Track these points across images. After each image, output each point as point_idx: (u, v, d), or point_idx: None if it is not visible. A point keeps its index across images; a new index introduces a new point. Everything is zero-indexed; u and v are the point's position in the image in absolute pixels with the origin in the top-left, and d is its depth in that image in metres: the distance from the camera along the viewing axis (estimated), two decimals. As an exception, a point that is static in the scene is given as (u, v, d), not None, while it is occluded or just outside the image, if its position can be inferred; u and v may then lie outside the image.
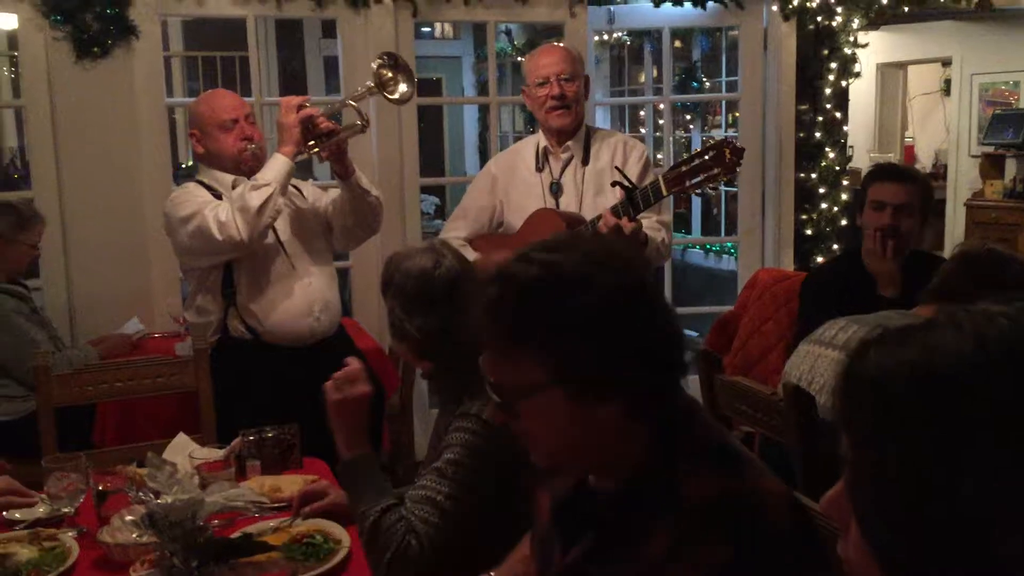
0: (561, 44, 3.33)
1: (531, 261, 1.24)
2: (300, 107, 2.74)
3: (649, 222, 2.76)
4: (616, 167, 2.69)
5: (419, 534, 1.72)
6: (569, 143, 2.97)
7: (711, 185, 2.45)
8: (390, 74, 2.72)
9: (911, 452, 0.73)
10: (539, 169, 3.00)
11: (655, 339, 1.22)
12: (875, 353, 0.78)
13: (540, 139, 3.03)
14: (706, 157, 2.40)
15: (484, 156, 11.24)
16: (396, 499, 1.79)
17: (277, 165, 2.72)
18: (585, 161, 2.96)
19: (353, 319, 4.25)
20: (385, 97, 2.72)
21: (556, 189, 2.97)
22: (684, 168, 2.45)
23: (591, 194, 2.92)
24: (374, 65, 2.71)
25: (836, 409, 0.80)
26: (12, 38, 8.47)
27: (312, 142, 2.78)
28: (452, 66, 11.18)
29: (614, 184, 2.58)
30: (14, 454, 3.40)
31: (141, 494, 1.42)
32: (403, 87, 2.73)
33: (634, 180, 2.67)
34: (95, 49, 3.93)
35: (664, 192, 2.50)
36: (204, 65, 10.39)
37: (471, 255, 2.93)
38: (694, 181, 2.43)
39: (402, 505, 1.76)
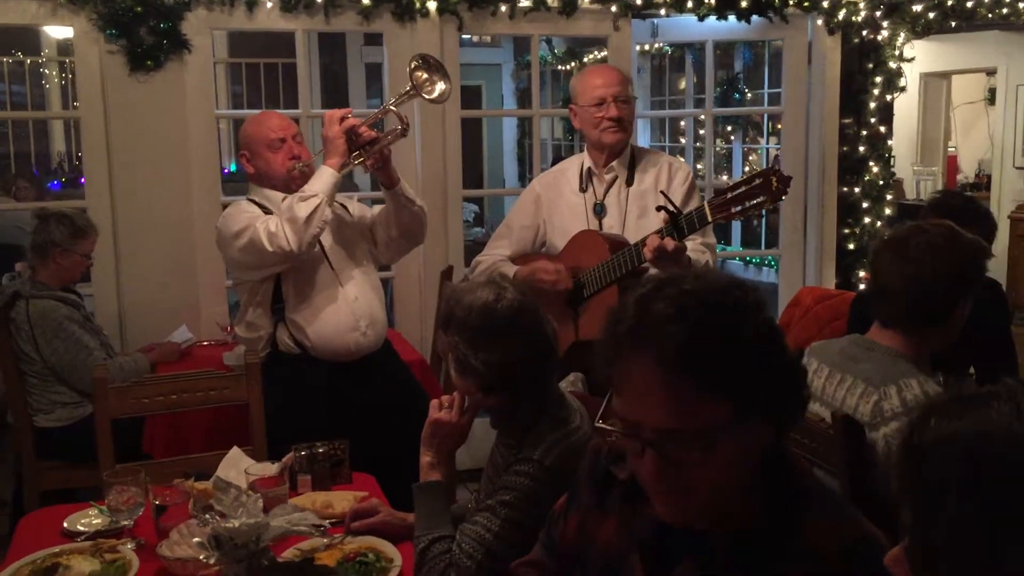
0: (608, 64, 3.34)
1: (691, 294, 1.19)
2: (343, 119, 2.79)
3: (693, 244, 2.75)
4: (662, 192, 2.69)
5: (460, 568, 1.78)
6: (613, 164, 2.97)
7: (756, 212, 2.45)
8: (425, 75, 2.76)
9: (960, 522, 0.76)
10: (583, 190, 3.01)
11: (789, 352, 1.25)
12: (935, 424, 0.81)
13: (585, 159, 3.04)
14: (753, 184, 2.40)
15: (523, 163, 11.27)
16: (450, 531, 1.84)
17: (324, 177, 2.78)
18: (629, 182, 2.96)
19: (396, 330, 4.30)
20: (423, 98, 2.76)
21: (600, 210, 2.97)
22: (730, 195, 2.44)
23: (635, 216, 2.93)
24: (409, 68, 2.75)
25: (896, 475, 0.83)
26: (63, 46, 8.67)
27: (356, 152, 2.83)
28: (492, 73, 11.20)
29: (659, 209, 2.58)
30: (68, 458, 3.51)
31: (207, 516, 1.46)
32: (440, 85, 2.77)
33: (678, 202, 2.67)
34: (148, 62, 4.02)
35: (709, 219, 2.49)
36: (248, 71, 10.51)
37: (511, 270, 2.95)
38: (739, 208, 2.43)
39: (452, 537, 1.81)
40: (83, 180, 4.50)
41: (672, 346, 1.14)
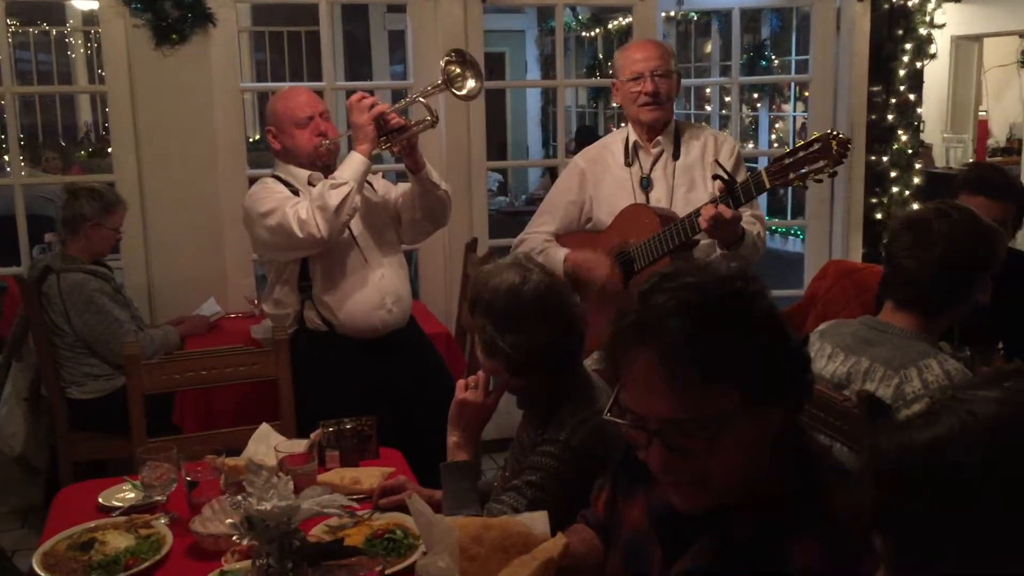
0: (649, 38, 3.30)
1: (694, 287, 1.22)
2: (372, 106, 2.78)
3: (744, 216, 2.70)
4: (715, 160, 2.67)
5: None
6: (660, 138, 2.95)
7: (816, 178, 2.39)
8: (458, 70, 2.74)
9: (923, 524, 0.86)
10: (628, 164, 2.98)
11: (794, 337, 1.27)
12: (889, 438, 0.89)
13: (630, 133, 3.01)
14: (811, 149, 2.36)
15: (546, 130, 11.22)
16: (477, 510, 1.87)
17: (354, 164, 2.78)
18: (676, 155, 2.94)
19: (420, 302, 4.32)
20: (453, 93, 2.75)
21: (647, 184, 2.95)
22: (788, 160, 2.40)
23: (683, 189, 2.90)
24: (442, 62, 2.73)
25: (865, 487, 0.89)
26: (88, 16, 8.69)
27: (384, 137, 2.82)
28: (516, 39, 11.12)
29: (715, 177, 2.55)
30: (100, 429, 3.58)
31: (240, 498, 1.49)
32: (471, 83, 2.75)
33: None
34: (173, 36, 4.03)
35: (767, 185, 2.46)
36: (271, 39, 10.51)
37: (560, 253, 2.95)
38: (799, 173, 2.39)
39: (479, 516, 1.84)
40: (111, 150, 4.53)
41: (674, 339, 1.17)
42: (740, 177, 2.67)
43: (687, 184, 2.92)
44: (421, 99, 2.83)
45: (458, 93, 2.75)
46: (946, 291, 2.04)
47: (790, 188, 7.91)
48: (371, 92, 2.95)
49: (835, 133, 2.35)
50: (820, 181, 2.42)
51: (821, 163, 2.34)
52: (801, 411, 1.30)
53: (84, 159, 8.36)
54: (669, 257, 2.69)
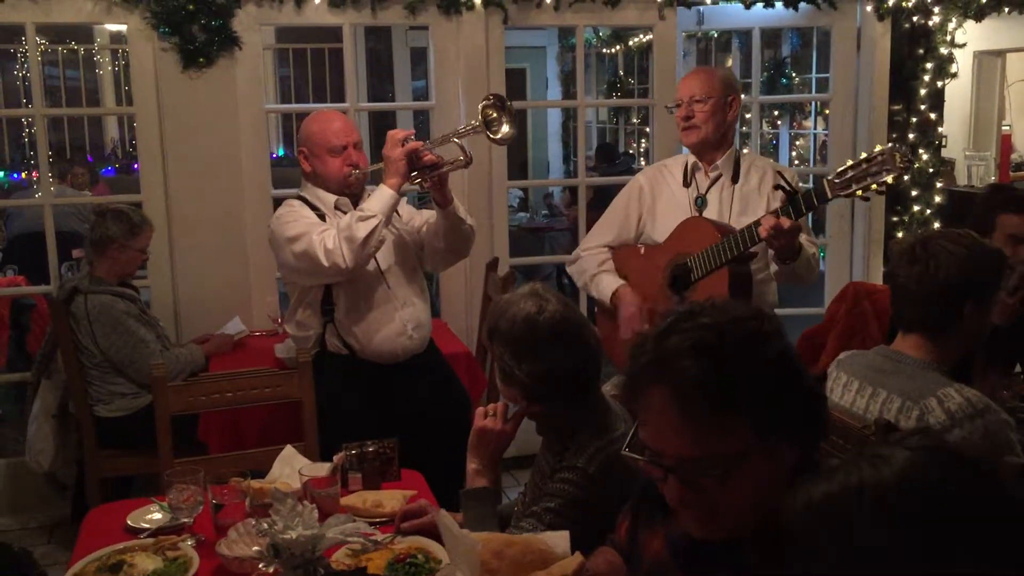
0: (700, 66, 3.37)
1: (708, 328, 1.25)
2: (405, 140, 2.80)
3: (803, 237, 2.74)
4: (778, 171, 2.70)
5: None
6: (718, 162, 3.01)
7: (878, 188, 2.39)
8: (495, 114, 2.74)
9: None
10: (686, 184, 3.06)
11: (805, 376, 1.29)
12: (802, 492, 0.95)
13: (689, 156, 3.10)
14: (874, 160, 2.36)
15: (566, 147, 11.25)
16: None
17: (384, 197, 2.81)
18: (735, 180, 3.00)
19: (442, 320, 4.36)
20: (488, 136, 2.75)
21: (701, 203, 3.01)
22: (851, 172, 2.42)
23: (737, 212, 2.95)
24: (481, 105, 2.75)
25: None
26: (115, 36, 8.82)
27: (415, 172, 2.85)
28: (537, 56, 11.19)
29: (776, 187, 2.57)
30: (127, 446, 3.64)
31: (266, 526, 1.53)
32: (506, 128, 2.75)
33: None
34: (200, 59, 4.10)
35: (829, 195, 2.47)
36: (295, 55, 10.62)
37: (610, 285, 3.05)
38: (862, 185, 2.39)
39: None
40: (136, 166, 4.59)
41: (687, 380, 1.21)
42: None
43: (741, 207, 2.97)
44: (455, 139, 2.86)
45: (493, 137, 2.75)
46: (944, 311, 2.06)
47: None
48: (394, 114, 2.98)
49: (897, 145, 2.38)
50: (882, 193, 2.43)
51: (886, 174, 2.34)
52: (817, 448, 1.32)
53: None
54: (727, 268, 2.73)
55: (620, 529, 1.65)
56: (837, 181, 2.44)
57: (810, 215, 2.86)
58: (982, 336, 2.15)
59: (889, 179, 2.35)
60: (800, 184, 2.79)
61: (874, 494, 0.88)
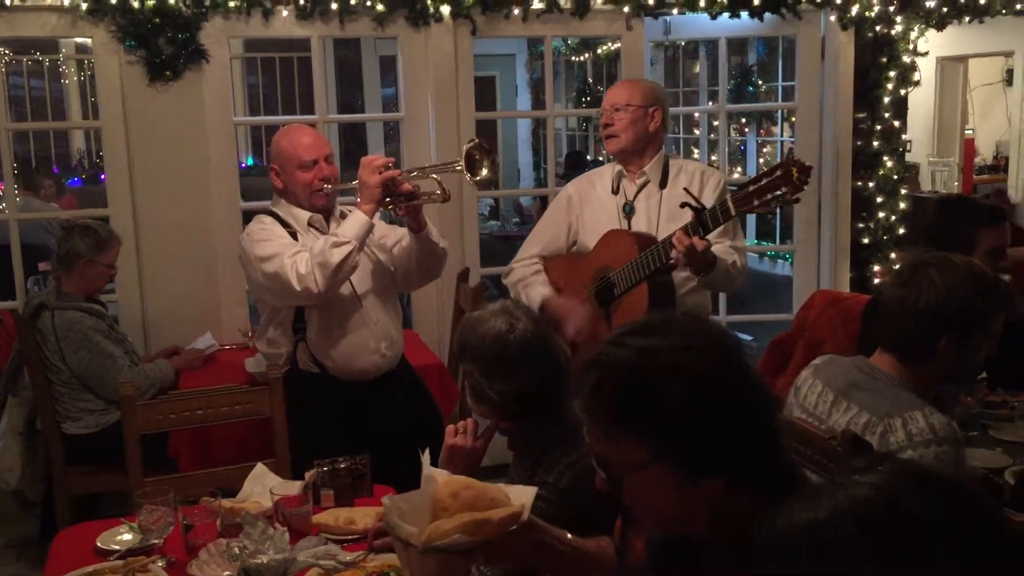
0: (633, 79, 3.45)
1: (627, 347, 1.30)
2: (384, 168, 2.81)
3: (722, 247, 2.82)
4: (685, 189, 2.73)
5: None
6: (645, 168, 3.05)
7: (779, 204, 2.45)
8: (477, 156, 2.76)
9: None
10: (614, 192, 3.11)
11: (751, 416, 1.29)
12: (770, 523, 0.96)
13: (616, 164, 3.14)
14: (774, 176, 2.42)
15: (536, 154, 11.27)
16: None
17: (358, 223, 2.81)
18: (662, 185, 3.04)
19: (414, 332, 4.36)
20: (467, 176, 2.75)
21: (629, 210, 3.05)
22: (752, 188, 2.46)
23: (665, 218, 2.99)
24: (465, 147, 2.75)
25: None
26: (81, 46, 8.75)
27: (389, 199, 2.85)
28: (506, 63, 11.20)
29: (683, 205, 2.62)
30: (96, 463, 3.60)
31: (237, 549, 1.53)
32: (485, 171, 2.77)
33: (708, 205, 2.71)
34: (167, 72, 4.08)
35: (732, 212, 2.52)
36: (263, 63, 10.57)
37: (538, 294, 3.07)
38: (762, 201, 2.44)
39: None
40: (103, 177, 4.55)
41: (589, 389, 1.32)
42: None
43: (669, 213, 2.99)
44: (434, 175, 2.88)
45: (471, 178, 2.76)
46: (916, 341, 2.04)
47: (779, 214, 7.99)
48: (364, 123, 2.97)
49: (795, 159, 2.40)
50: (787, 205, 2.47)
51: (783, 190, 2.39)
52: (762, 488, 1.27)
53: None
54: (647, 283, 2.78)
55: (615, 530, 1.68)
56: (739, 197, 2.49)
57: (776, 219, 2.92)
58: (966, 374, 2.13)
59: (787, 196, 2.39)
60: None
61: (856, 518, 0.89)
